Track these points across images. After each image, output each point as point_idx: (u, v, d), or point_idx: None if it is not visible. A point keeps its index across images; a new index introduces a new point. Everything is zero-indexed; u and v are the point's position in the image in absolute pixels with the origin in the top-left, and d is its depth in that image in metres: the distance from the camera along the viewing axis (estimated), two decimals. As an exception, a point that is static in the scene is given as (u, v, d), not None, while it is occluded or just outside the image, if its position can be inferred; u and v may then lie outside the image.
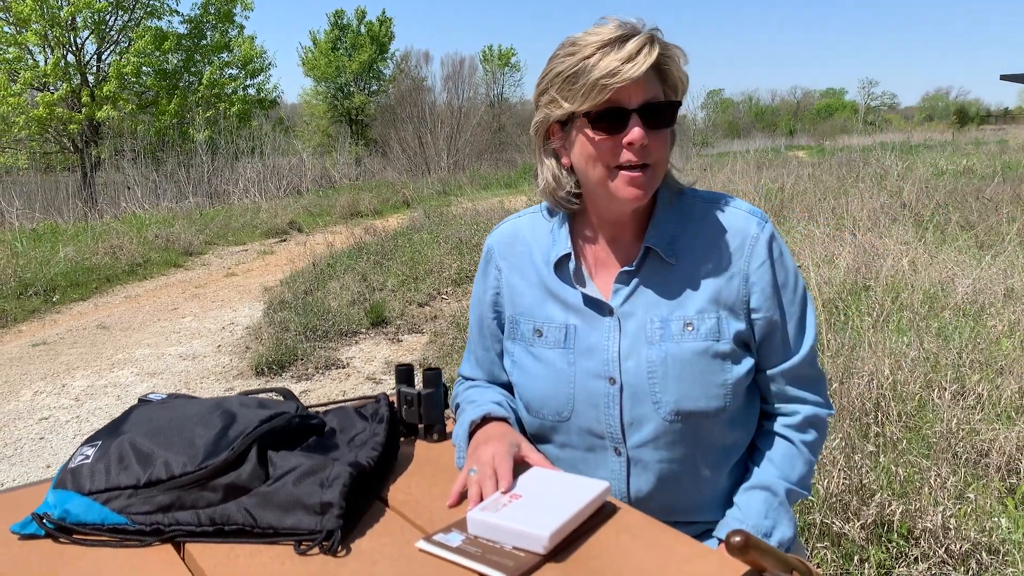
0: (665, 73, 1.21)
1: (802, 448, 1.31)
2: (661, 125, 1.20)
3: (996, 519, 2.44)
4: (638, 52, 1.15)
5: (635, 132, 1.17)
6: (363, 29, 37.83)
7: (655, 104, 1.19)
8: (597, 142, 1.21)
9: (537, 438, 1.38)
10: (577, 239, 1.36)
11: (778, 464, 1.30)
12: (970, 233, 7.15)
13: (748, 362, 1.27)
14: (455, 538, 0.98)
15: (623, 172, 1.21)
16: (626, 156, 1.19)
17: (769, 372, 1.31)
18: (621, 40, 1.15)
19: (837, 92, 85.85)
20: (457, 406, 1.45)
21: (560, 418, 1.31)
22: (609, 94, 1.16)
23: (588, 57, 1.16)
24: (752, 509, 1.27)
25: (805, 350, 1.31)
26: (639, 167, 1.20)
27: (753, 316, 1.28)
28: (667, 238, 1.28)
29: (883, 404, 3.21)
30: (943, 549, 2.30)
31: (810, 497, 1.37)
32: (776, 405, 1.34)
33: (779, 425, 1.33)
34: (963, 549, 2.30)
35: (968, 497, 2.56)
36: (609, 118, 1.19)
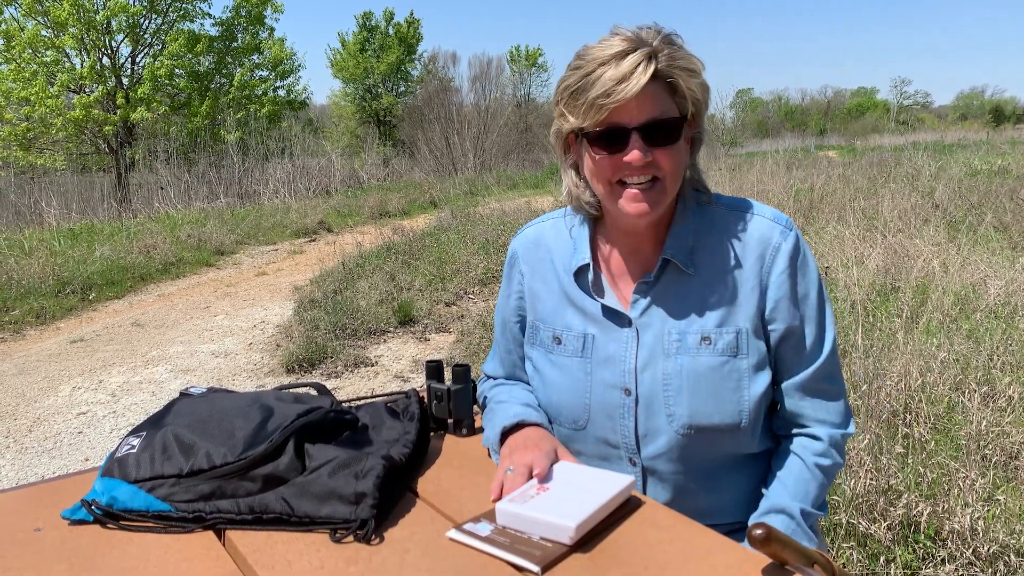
0: (674, 86, 1.17)
1: (816, 472, 1.27)
2: (665, 142, 1.17)
3: (1026, 522, 2.42)
4: (633, 71, 1.11)
5: (634, 153, 1.15)
6: (391, 30, 38.01)
7: (658, 122, 1.16)
8: (597, 161, 1.20)
9: None
10: (597, 248, 1.35)
11: (791, 488, 1.26)
12: (1004, 235, 7.04)
13: (767, 379, 1.25)
14: (484, 528, 1.02)
15: (628, 188, 1.20)
16: (627, 174, 1.18)
17: (784, 384, 1.29)
18: (620, 56, 1.12)
19: (869, 91, 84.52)
20: (484, 402, 1.47)
21: (576, 426, 1.32)
22: (606, 113, 1.14)
23: (589, 74, 1.14)
24: None
25: (821, 361, 1.27)
26: (645, 181, 1.19)
27: (769, 327, 1.25)
28: (686, 249, 1.26)
29: (912, 406, 3.19)
30: (971, 551, 2.29)
31: (823, 516, 1.36)
32: (793, 427, 1.31)
33: (796, 446, 1.30)
34: (991, 551, 2.28)
35: (997, 499, 2.54)
36: (608, 137, 1.17)
